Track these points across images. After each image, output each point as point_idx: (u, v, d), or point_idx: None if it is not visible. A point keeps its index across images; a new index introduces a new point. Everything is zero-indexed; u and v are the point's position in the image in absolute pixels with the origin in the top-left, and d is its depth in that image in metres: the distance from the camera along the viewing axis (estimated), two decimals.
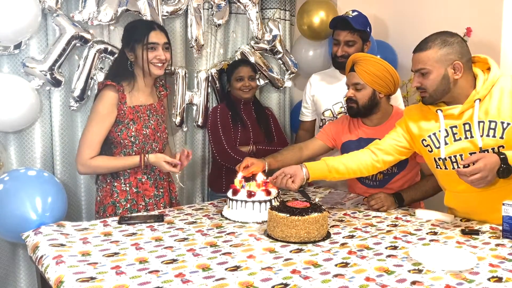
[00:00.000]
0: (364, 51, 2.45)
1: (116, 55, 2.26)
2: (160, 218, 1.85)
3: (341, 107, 2.51)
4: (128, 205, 2.12)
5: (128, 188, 2.12)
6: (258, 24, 2.87)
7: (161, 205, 2.20)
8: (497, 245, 1.56)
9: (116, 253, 1.47)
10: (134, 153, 2.11)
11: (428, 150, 1.86)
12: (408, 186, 2.14)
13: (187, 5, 2.61)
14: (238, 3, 2.82)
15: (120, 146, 2.10)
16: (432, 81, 1.74)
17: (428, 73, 1.73)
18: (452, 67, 1.72)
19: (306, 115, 2.71)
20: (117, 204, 2.12)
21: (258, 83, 2.91)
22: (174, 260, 1.42)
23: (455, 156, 1.78)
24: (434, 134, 1.83)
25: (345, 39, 2.43)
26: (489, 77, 1.73)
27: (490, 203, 1.76)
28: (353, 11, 2.49)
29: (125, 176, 2.12)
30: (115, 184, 2.12)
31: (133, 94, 2.10)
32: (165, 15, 2.54)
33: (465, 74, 1.74)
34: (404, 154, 1.99)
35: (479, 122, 1.72)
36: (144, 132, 2.11)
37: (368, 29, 2.49)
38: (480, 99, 1.72)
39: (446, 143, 1.79)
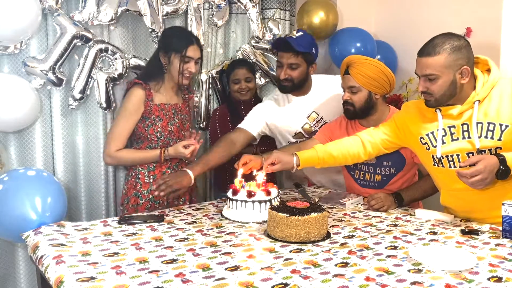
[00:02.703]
0: (309, 74, 2.33)
1: (151, 56, 2.36)
2: (160, 218, 1.85)
3: (310, 126, 2.38)
4: (150, 196, 2.21)
5: (151, 180, 2.23)
6: (259, 24, 2.87)
7: (182, 199, 2.32)
8: (497, 245, 1.56)
9: (116, 253, 1.47)
10: (159, 148, 2.24)
11: (426, 148, 1.87)
12: (407, 186, 2.14)
13: (187, 5, 2.62)
14: (238, 3, 2.82)
15: (147, 140, 2.24)
16: (440, 86, 1.72)
17: (436, 79, 1.71)
18: (460, 72, 1.70)
19: (254, 127, 2.35)
20: (140, 195, 2.24)
21: (259, 81, 2.91)
22: (174, 260, 1.42)
23: (451, 156, 1.79)
24: (432, 133, 1.83)
25: (288, 61, 2.25)
26: (489, 79, 1.73)
27: (487, 202, 1.77)
28: (298, 31, 2.31)
29: (150, 169, 2.25)
30: (139, 176, 2.25)
31: (159, 93, 2.25)
32: (165, 15, 2.55)
33: (469, 77, 1.73)
34: (389, 149, 2.06)
35: (477, 123, 1.72)
36: (169, 129, 2.25)
37: (313, 51, 2.30)
38: (479, 101, 1.72)
39: (443, 142, 1.80)
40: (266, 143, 2.67)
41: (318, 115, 2.36)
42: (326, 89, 2.39)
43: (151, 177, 2.25)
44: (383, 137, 2.02)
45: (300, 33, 2.27)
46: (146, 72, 2.30)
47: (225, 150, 2.22)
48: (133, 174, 2.28)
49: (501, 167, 1.60)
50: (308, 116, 2.35)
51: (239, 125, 2.35)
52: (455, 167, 1.77)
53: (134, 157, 2.23)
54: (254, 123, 2.35)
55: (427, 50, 1.72)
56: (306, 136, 2.38)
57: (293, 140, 2.40)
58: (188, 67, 2.21)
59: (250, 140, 2.35)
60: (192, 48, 2.20)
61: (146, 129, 2.22)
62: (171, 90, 2.30)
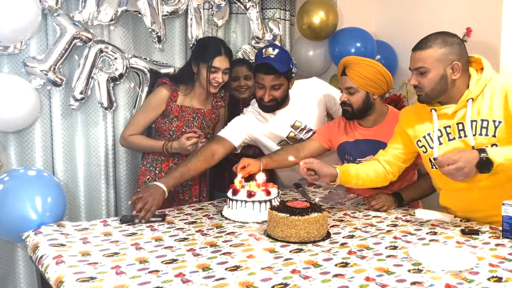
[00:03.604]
0: (289, 89, 2.29)
1: (185, 63, 2.50)
2: (160, 218, 1.85)
3: (295, 135, 2.37)
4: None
5: (157, 172, 2.40)
6: (259, 24, 2.87)
7: (187, 195, 2.44)
8: (497, 245, 1.56)
9: (116, 253, 1.47)
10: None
11: (423, 151, 1.86)
12: (406, 186, 2.14)
13: (187, 5, 2.62)
14: (238, 3, 2.82)
15: (162, 135, 2.42)
16: (430, 80, 1.73)
17: (426, 72, 1.73)
18: (451, 67, 1.72)
19: (236, 138, 2.27)
20: (147, 182, 2.38)
21: None
22: (174, 260, 1.42)
23: None
24: (429, 134, 1.83)
25: (271, 84, 2.17)
26: (482, 77, 1.74)
27: (486, 202, 1.77)
28: (274, 47, 2.18)
29: (158, 161, 2.41)
30: (148, 165, 2.43)
31: (187, 97, 2.39)
32: (165, 15, 2.55)
33: (462, 74, 1.74)
34: (407, 161, 1.99)
35: (471, 121, 1.72)
36: (183, 130, 2.38)
37: (291, 66, 2.24)
38: (472, 99, 1.73)
39: (440, 143, 1.80)
40: None
41: (301, 123, 2.34)
42: (304, 96, 2.37)
43: (158, 168, 2.40)
44: (395, 152, 1.97)
45: (277, 50, 2.17)
46: (177, 76, 2.45)
47: (203, 162, 2.12)
48: (144, 162, 2.45)
49: (481, 155, 1.57)
50: (292, 125, 2.34)
51: (221, 134, 2.27)
52: None
53: (142, 144, 2.39)
54: (236, 133, 2.28)
55: (419, 44, 1.76)
56: (291, 143, 2.36)
57: (278, 147, 2.36)
58: (215, 77, 2.28)
59: (231, 150, 2.27)
60: (219, 59, 2.26)
61: (163, 125, 2.38)
62: (200, 96, 2.41)
